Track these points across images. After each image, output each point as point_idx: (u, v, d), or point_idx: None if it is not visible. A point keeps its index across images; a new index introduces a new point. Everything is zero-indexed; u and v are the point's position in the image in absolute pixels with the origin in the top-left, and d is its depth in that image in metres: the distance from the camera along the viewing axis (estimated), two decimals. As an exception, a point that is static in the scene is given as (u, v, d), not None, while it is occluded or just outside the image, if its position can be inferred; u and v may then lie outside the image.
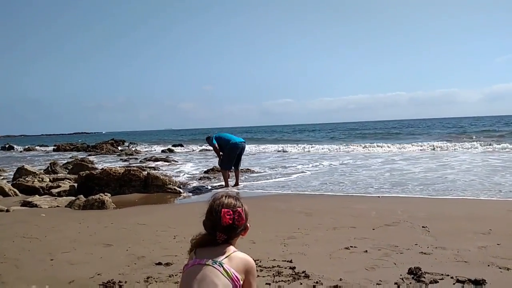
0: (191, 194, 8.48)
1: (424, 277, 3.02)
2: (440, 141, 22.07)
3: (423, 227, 4.67)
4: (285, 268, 3.36)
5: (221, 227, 1.95)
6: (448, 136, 26.80)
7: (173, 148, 29.11)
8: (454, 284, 2.91)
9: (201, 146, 28.57)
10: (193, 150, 25.33)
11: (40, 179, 9.70)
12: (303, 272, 3.23)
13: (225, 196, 2.04)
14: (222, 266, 1.86)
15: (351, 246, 3.95)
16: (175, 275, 3.19)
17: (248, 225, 2.07)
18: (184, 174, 12.37)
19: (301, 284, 2.99)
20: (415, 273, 3.09)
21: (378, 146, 20.88)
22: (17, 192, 8.69)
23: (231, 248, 1.97)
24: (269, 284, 3.00)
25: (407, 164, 12.44)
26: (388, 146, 20.44)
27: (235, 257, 1.93)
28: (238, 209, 2.00)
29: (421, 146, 19.37)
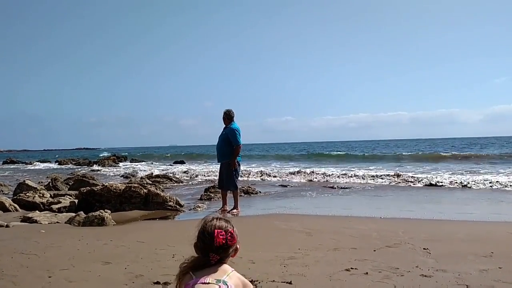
0: (191, 211, 8.45)
1: (425, 301, 2.99)
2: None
3: (424, 249, 4.64)
4: (285, 289, 3.33)
5: (214, 248, 1.99)
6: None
7: (174, 164, 29.16)
8: (455, 308, 2.88)
9: (202, 163, 28.62)
10: (195, 167, 25.31)
11: (41, 195, 9.69)
12: (302, 293, 3.20)
13: (216, 219, 2.10)
14: (227, 284, 1.90)
15: (351, 268, 3.92)
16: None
17: (238, 246, 2.12)
18: (185, 192, 12.35)
19: (300, 306, 2.96)
20: (416, 297, 3.06)
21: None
22: (18, 207, 8.68)
23: (228, 268, 2.03)
24: (268, 305, 2.97)
25: (409, 184, 12.41)
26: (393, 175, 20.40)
27: (234, 276, 2.00)
28: (230, 229, 2.07)
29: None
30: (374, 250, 4.63)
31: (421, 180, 12.84)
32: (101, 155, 43.07)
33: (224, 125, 8.66)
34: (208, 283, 1.89)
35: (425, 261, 4.17)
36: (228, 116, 8.58)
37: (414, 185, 12.41)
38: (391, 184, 12.99)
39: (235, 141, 8.36)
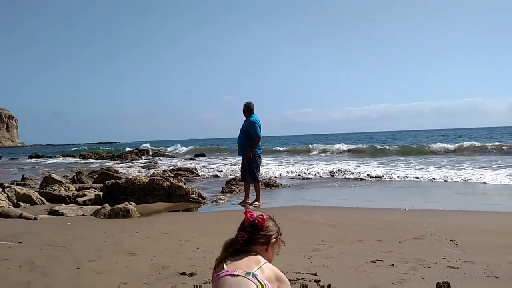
0: (213, 204, 8.50)
1: (454, 293, 2.93)
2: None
3: (450, 240, 4.56)
4: (310, 281, 3.31)
5: (243, 227, 2.10)
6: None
7: (195, 158, 29.36)
8: (485, 300, 2.83)
9: (221, 155, 28.75)
10: (215, 160, 25.43)
11: (66, 188, 9.91)
12: (328, 285, 3.17)
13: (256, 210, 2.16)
14: (256, 278, 1.88)
15: (377, 260, 3.88)
16: (200, 286, 3.19)
17: (273, 239, 2.13)
18: (206, 184, 12.44)
19: (326, 297, 2.94)
20: (444, 288, 3.00)
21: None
22: (44, 200, 8.88)
23: (261, 259, 2.01)
24: (294, 297, 2.96)
25: (437, 174, 12.19)
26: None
27: (266, 268, 1.98)
28: (264, 215, 2.15)
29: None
30: (400, 242, 4.57)
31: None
32: (123, 149, 43.68)
33: (245, 118, 8.65)
34: (237, 275, 1.88)
35: (452, 252, 4.10)
36: (248, 109, 8.58)
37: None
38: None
39: (254, 133, 8.36)
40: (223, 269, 1.97)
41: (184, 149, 40.88)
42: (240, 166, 8.94)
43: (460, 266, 3.63)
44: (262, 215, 2.13)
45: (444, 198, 8.30)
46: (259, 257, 2.03)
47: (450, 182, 10.70)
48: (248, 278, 1.87)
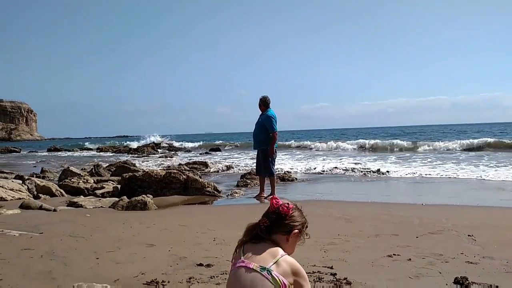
0: (229, 197, 8.54)
1: (472, 287, 2.92)
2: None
3: (468, 235, 4.52)
4: (326, 274, 3.33)
5: (267, 213, 2.06)
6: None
7: (211, 152, 29.50)
8: (504, 296, 2.80)
9: (236, 150, 28.80)
10: (230, 154, 25.51)
11: (85, 181, 10.05)
12: (344, 278, 3.19)
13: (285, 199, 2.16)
14: (271, 274, 1.84)
15: (394, 254, 3.86)
16: (216, 277, 3.23)
17: (296, 231, 2.06)
18: (221, 178, 12.50)
19: (342, 290, 2.95)
20: (462, 283, 2.99)
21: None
22: (63, 192, 9.04)
23: (279, 252, 1.95)
24: (310, 289, 2.97)
25: (455, 170, 12.05)
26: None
27: (283, 262, 1.92)
28: (290, 204, 2.10)
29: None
30: (417, 237, 4.54)
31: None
32: (140, 142, 44.07)
33: (260, 112, 8.61)
34: (252, 269, 1.86)
35: (471, 248, 4.06)
36: (264, 103, 8.52)
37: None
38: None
39: (270, 127, 8.29)
40: (240, 257, 1.95)
41: (200, 143, 41.08)
42: (256, 160, 8.86)
43: (479, 262, 3.59)
44: (288, 203, 2.08)
45: (462, 193, 8.19)
46: (278, 249, 1.97)
47: (468, 178, 10.55)
48: (262, 274, 1.84)
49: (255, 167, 9.12)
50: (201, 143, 41.32)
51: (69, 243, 4.47)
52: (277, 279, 1.84)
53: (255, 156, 8.83)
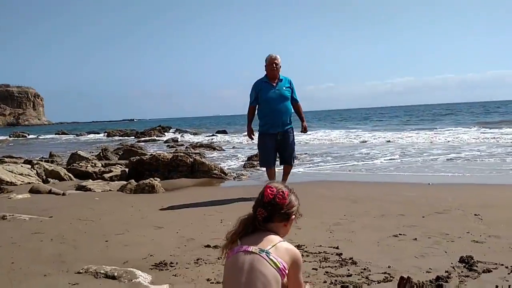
0: (235, 180, 8.58)
1: (477, 266, 2.93)
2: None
3: (475, 215, 4.52)
4: (332, 254, 3.36)
5: (263, 203, 1.99)
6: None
7: (217, 134, 29.56)
8: (509, 274, 2.81)
9: (243, 132, 28.85)
10: (237, 137, 25.54)
11: (93, 164, 10.13)
12: (350, 258, 3.22)
13: (276, 182, 2.11)
14: (269, 256, 1.85)
15: (399, 234, 3.88)
16: (223, 258, 3.27)
17: (293, 217, 2.06)
18: (228, 160, 12.55)
19: (348, 270, 2.98)
20: (467, 262, 3.00)
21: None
22: (72, 176, 9.13)
23: (277, 238, 1.96)
24: (316, 269, 3.01)
25: (463, 150, 12.00)
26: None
27: (281, 247, 1.92)
28: (283, 190, 2.03)
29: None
30: (423, 217, 4.55)
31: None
32: (146, 126, 44.23)
33: (269, 77, 6.11)
34: (251, 252, 1.87)
35: (477, 227, 4.07)
36: (278, 64, 6.08)
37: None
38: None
39: (296, 96, 6.36)
40: (237, 245, 1.95)
41: (207, 126, 41.11)
42: (265, 148, 6.23)
43: (485, 241, 3.60)
44: (282, 191, 2.01)
45: (470, 172, 8.15)
46: (275, 236, 1.97)
47: (475, 156, 10.49)
48: (261, 255, 1.84)
49: (259, 159, 6.71)
50: (209, 125, 41.36)
51: (79, 227, 4.54)
52: (276, 261, 1.84)
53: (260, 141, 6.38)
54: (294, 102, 6.29)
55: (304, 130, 6.55)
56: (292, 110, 6.27)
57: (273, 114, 6.07)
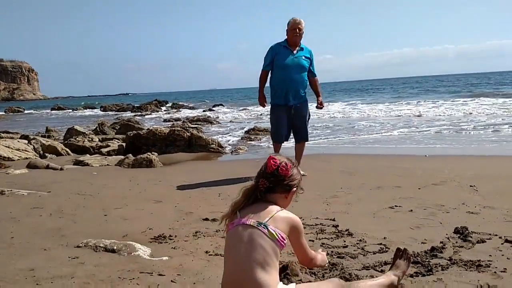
0: (233, 154, 8.61)
1: (471, 237, 2.97)
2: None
3: (470, 186, 4.56)
4: (328, 226, 3.40)
5: (265, 174, 2.01)
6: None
7: (214, 108, 29.44)
8: (502, 244, 2.85)
9: (239, 105, 28.73)
10: (234, 110, 25.46)
11: (90, 139, 10.13)
12: (346, 230, 3.26)
13: (280, 155, 2.10)
14: (267, 228, 1.87)
15: (395, 206, 3.93)
16: (222, 230, 3.30)
17: (294, 189, 2.07)
18: (226, 134, 12.54)
19: (344, 241, 3.02)
20: (462, 233, 3.04)
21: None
22: (69, 151, 9.13)
23: (275, 208, 1.97)
24: (313, 241, 3.05)
25: (461, 120, 12.01)
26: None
27: (279, 216, 1.93)
28: (286, 162, 2.04)
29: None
30: (419, 188, 4.59)
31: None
32: (143, 100, 43.97)
33: (290, 43, 5.63)
34: (249, 225, 1.88)
35: (472, 198, 4.11)
36: (302, 30, 5.57)
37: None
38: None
39: (314, 70, 5.92)
40: (237, 218, 1.96)
41: (203, 100, 40.90)
42: (277, 122, 5.81)
43: (479, 212, 3.65)
44: (286, 163, 2.02)
45: (467, 143, 8.19)
46: (274, 206, 1.98)
47: (472, 127, 10.51)
48: (259, 228, 1.86)
49: (271, 133, 6.13)
50: (205, 100, 41.16)
51: (77, 201, 4.56)
52: (274, 233, 1.86)
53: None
54: (311, 76, 5.82)
55: (320, 105, 5.96)
56: (308, 83, 5.83)
57: (287, 83, 5.58)
